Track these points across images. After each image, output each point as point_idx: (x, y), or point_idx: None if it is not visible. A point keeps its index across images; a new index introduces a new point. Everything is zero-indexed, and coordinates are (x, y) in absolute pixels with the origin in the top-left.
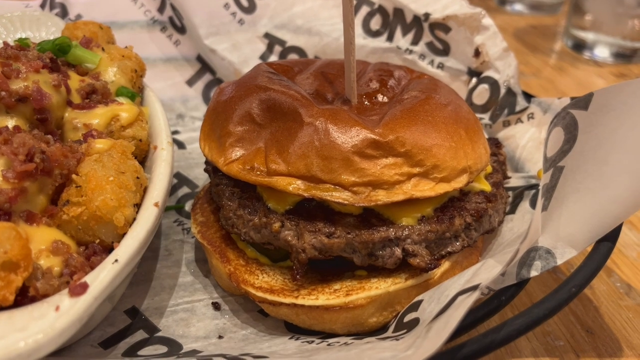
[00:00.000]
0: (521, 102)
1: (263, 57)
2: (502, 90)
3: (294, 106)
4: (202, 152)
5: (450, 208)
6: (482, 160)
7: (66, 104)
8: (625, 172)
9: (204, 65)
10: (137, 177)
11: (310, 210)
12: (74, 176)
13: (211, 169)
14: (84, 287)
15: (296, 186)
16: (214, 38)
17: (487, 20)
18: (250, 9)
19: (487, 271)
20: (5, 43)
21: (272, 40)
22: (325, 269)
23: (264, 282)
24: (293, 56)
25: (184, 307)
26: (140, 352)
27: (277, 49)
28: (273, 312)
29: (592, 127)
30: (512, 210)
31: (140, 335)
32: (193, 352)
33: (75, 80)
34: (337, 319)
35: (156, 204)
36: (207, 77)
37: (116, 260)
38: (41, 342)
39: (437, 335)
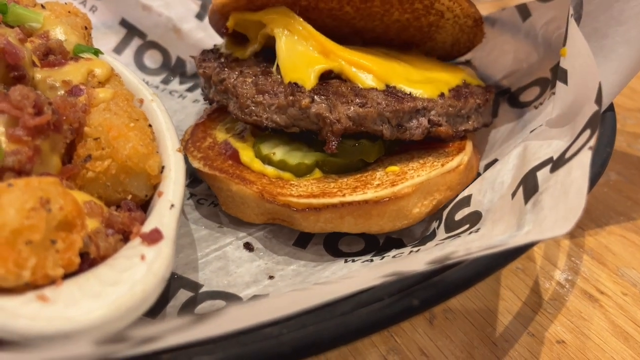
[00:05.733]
0: None
1: (199, 16)
2: None
3: None
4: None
5: (462, 92)
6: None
7: (32, 64)
8: (622, 43)
9: (130, 30)
10: (150, 125)
11: (336, 87)
12: (86, 129)
13: (212, 67)
14: (159, 233)
15: None
16: None
17: None
18: None
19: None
20: None
21: (204, 1)
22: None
23: (302, 191)
24: None
25: (216, 255)
26: (197, 311)
27: None
28: (312, 223)
29: (593, 4)
30: (495, 114)
31: (183, 295)
32: (258, 298)
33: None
34: (385, 212)
35: (179, 150)
36: (136, 42)
37: (172, 205)
38: (148, 289)
39: (565, 201)
